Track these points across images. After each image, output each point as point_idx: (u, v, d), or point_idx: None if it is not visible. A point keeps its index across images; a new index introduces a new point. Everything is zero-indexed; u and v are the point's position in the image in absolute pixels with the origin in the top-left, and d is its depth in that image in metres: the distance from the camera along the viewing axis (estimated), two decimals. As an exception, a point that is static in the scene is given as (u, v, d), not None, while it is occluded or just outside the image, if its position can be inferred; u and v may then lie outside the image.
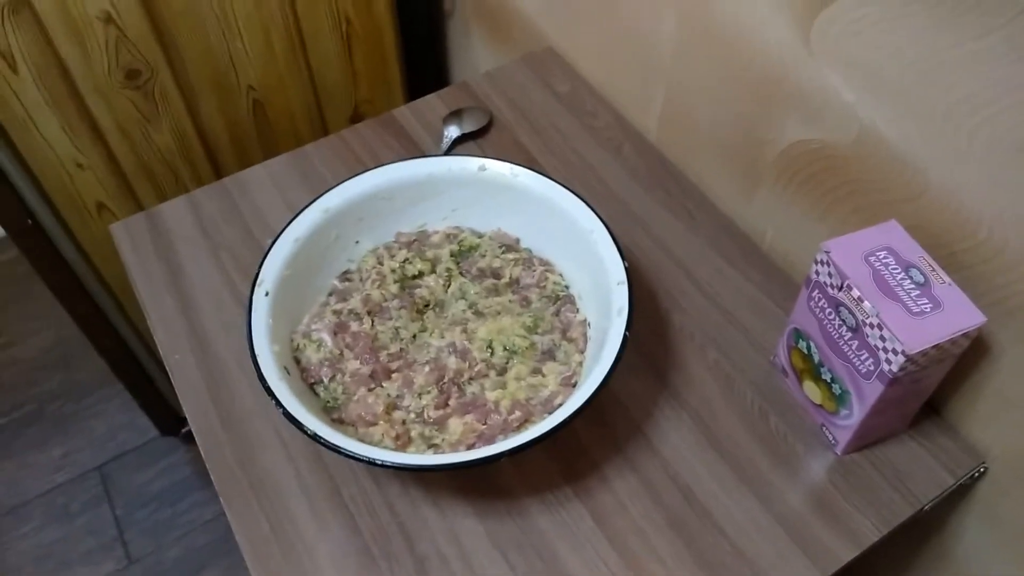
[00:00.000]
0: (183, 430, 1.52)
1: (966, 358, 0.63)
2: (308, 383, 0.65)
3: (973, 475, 0.66)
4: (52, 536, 1.44)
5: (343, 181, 0.72)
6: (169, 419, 1.48)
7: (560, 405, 0.63)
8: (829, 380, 0.64)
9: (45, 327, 1.69)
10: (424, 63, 1.32)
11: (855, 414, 0.62)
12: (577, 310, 0.71)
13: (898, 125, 0.61)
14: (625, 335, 0.61)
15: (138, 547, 1.43)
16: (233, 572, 1.39)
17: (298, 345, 0.67)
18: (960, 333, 0.56)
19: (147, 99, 1.01)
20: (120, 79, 0.97)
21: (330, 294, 0.71)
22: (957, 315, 0.56)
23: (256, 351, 0.61)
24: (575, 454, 0.67)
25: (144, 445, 1.54)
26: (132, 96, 1.00)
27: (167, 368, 0.73)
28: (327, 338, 0.66)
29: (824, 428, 0.67)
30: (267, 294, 0.65)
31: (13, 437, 1.55)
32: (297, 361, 0.66)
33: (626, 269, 0.65)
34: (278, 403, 0.58)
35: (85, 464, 1.52)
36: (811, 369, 0.66)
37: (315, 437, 0.56)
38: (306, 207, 0.70)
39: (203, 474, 0.67)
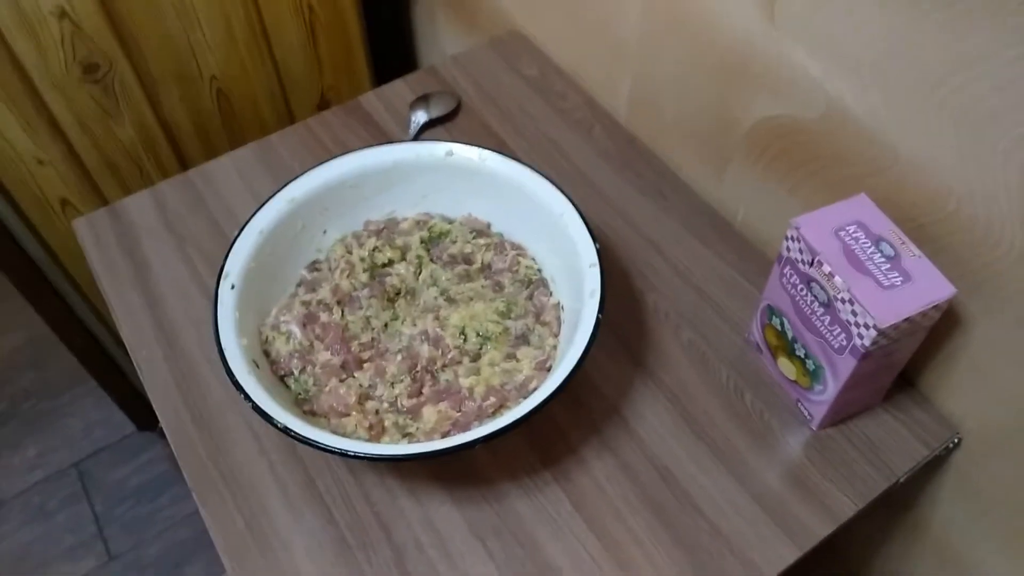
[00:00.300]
0: (160, 425, 1.50)
1: (938, 330, 0.63)
2: (278, 376, 0.64)
3: (947, 446, 0.66)
4: (31, 535, 1.42)
5: (308, 170, 0.71)
6: (145, 414, 1.46)
7: (535, 390, 0.63)
8: (803, 356, 0.64)
9: (15, 326, 1.66)
10: (390, 48, 1.30)
11: (829, 389, 0.63)
12: (550, 293, 0.70)
13: (864, 99, 0.61)
14: (598, 317, 0.61)
15: (118, 543, 1.41)
16: (215, 566, 1.38)
17: (267, 338, 0.66)
18: (931, 305, 0.56)
19: (107, 93, 0.99)
20: (78, 74, 0.95)
21: (299, 285, 0.70)
22: (927, 287, 0.56)
23: (223, 345, 0.60)
24: (552, 438, 0.67)
25: (121, 441, 1.53)
26: (91, 90, 0.98)
27: (135, 365, 0.72)
28: (296, 330, 0.65)
29: (799, 404, 0.67)
30: (233, 287, 0.64)
31: (-13, 438, 1.53)
32: (267, 354, 0.65)
33: (597, 251, 0.65)
34: (247, 397, 0.57)
35: (62, 462, 1.51)
36: (785, 345, 0.66)
37: (286, 431, 0.56)
38: (271, 197, 0.69)
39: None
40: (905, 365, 0.64)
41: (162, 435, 1.51)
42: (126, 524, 1.43)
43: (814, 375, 0.64)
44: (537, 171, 0.70)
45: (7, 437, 1.53)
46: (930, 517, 0.73)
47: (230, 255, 0.65)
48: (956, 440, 0.67)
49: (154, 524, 1.43)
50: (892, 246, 0.58)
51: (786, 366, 0.67)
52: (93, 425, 1.54)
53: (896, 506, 0.76)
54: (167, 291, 0.76)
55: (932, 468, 0.70)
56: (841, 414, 0.66)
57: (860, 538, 0.83)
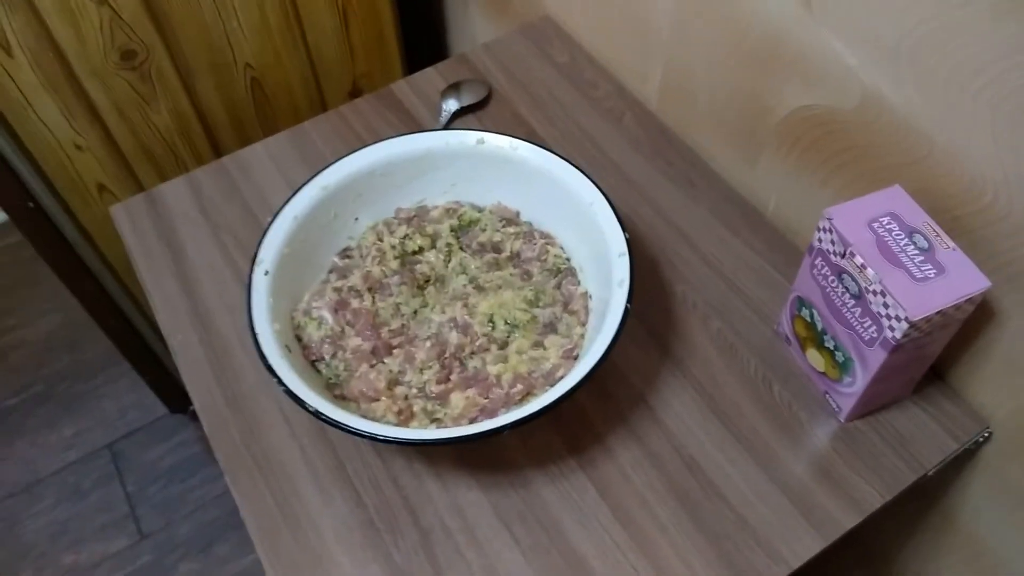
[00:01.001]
0: (191, 407, 1.53)
1: (971, 323, 0.62)
2: (310, 361, 0.65)
3: (978, 440, 0.66)
4: (65, 514, 1.46)
5: (341, 158, 0.72)
6: (177, 397, 1.49)
7: (562, 378, 0.63)
8: (832, 348, 0.64)
9: (52, 309, 1.70)
10: (422, 36, 1.31)
11: (859, 381, 0.62)
12: (578, 282, 0.70)
13: (901, 89, 0.60)
14: (627, 307, 0.61)
15: (150, 522, 1.44)
16: (244, 546, 1.40)
17: (299, 323, 0.67)
18: (964, 299, 0.55)
19: (144, 80, 1.00)
20: (116, 60, 0.97)
21: (330, 271, 0.71)
22: (961, 280, 0.56)
23: (257, 330, 0.61)
24: (579, 426, 0.67)
25: (153, 423, 1.55)
26: (129, 77, 0.99)
27: (170, 349, 0.74)
28: (328, 315, 0.66)
29: (827, 395, 0.67)
30: (267, 273, 0.65)
31: (24, 417, 1.57)
32: (298, 339, 0.66)
33: (627, 240, 0.65)
34: (280, 381, 0.58)
35: (95, 442, 1.54)
36: (814, 337, 0.66)
37: (317, 414, 0.57)
38: (304, 185, 0.70)
39: (212, 450, 0.68)
40: (936, 358, 0.63)
41: (194, 417, 1.54)
42: (157, 504, 1.46)
43: (843, 367, 0.63)
44: (567, 160, 0.71)
45: (44, 417, 1.57)
46: (959, 511, 0.73)
47: (264, 242, 0.66)
48: (987, 434, 0.66)
49: (185, 504, 1.45)
50: (926, 238, 0.58)
51: (815, 358, 0.67)
52: (127, 407, 1.57)
53: (925, 499, 0.76)
54: (202, 276, 0.78)
55: (961, 462, 0.70)
56: (870, 406, 0.66)
57: (887, 530, 0.83)
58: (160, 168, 1.10)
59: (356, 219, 0.73)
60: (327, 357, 0.65)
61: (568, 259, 0.72)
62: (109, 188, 1.08)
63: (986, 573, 0.73)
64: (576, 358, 0.65)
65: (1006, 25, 0.51)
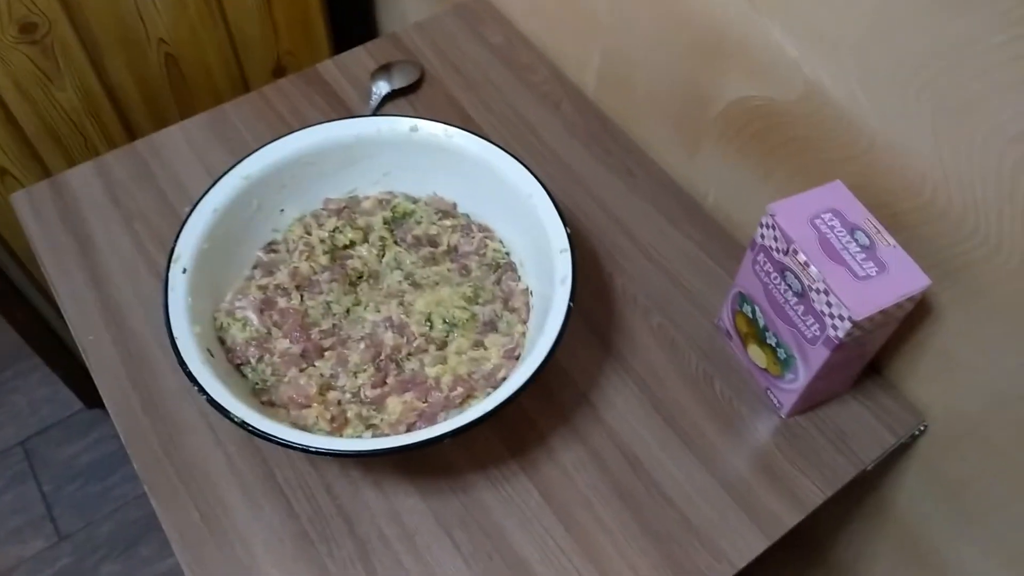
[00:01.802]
0: (110, 401, 1.46)
1: (909, 318, 0.62)
2: (234, 364, 0.61)
3: (914, 433, 0.66)
4: (-25, 516, 1.38)
5: (264, 145, 0.67)
6: (93, 391, 1.40)
7: (504, 379, 0.61)
8: (774, 344, 0.63)
9: (-47, 297, 1.59)
10: (349, 12, 1.25)
11: (800, 378, 0.62)
12: (519, 278, 0.68)
13: (843, 82, 0.59)
14: (569, 306, 0.59)
15: (68, 523, 1.37)
16: (168, 547, 1.34)
17: (222, 324, 0.63)
18: (906, 297, 0.55)
19: (46, 55, 0.93)
20: (14, 34, 0.89)
21: (255, 267, 0.67)
22: (902, 278, 0.56)
23: (175, 334, 0.57)
24: (520, 426, 0.65)
25: (68, 418, 1.48)
26: (29, 52, 0.92)
27: (80, 349, 0.68)
28: (253, 316, 0.62)
29: (769, 392, 0.67)
30: (185, 271, 0.60)
31: (-74, 415, 1.47)
32: (222, 341, 0.62)
33: (569, 236, 0.63)
34: (201, 389, 0.54)
35: (7, 440, 1.45)
36: (756, 333, 0.65)
37: (243, 425, 0.53)
38: (224, 174, 0.65)
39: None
40: (875, 353, 0.63)
41: (112, 411, 1.46)
42: (76, 503, 1.39)
43: (785, 364, 0.63)
44: (504, 149, 0.68)
45: (-52, 414, 1.48)
46: (895, 500, 0.74)
47: (181, 236, 0.62)
48: (922, 427, 0.67)
49: (105, 503, 1.39)
50: (867, 235, 0.57)
51: (756, 354, 0.66)
52: (39, 402, 1.49)
53: (862, 490, 0.77)
54: (113, 270, 0.72)
55: (898, 454, 0.70)
56: (810, 402, 0.66)
57: (825, 518, 0.84)
58: (68, 151, 1.03)
59: (281, 211, 0.69)
60: (253, 361, 0.61)
61: (508, 253, 0.70)
62: (12, 173, 1.00)
63: (921, 558, 0.74)
64: (518, 358, 0.63)
65: (950, 21, 0.50)
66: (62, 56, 0.94)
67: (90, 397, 1.44)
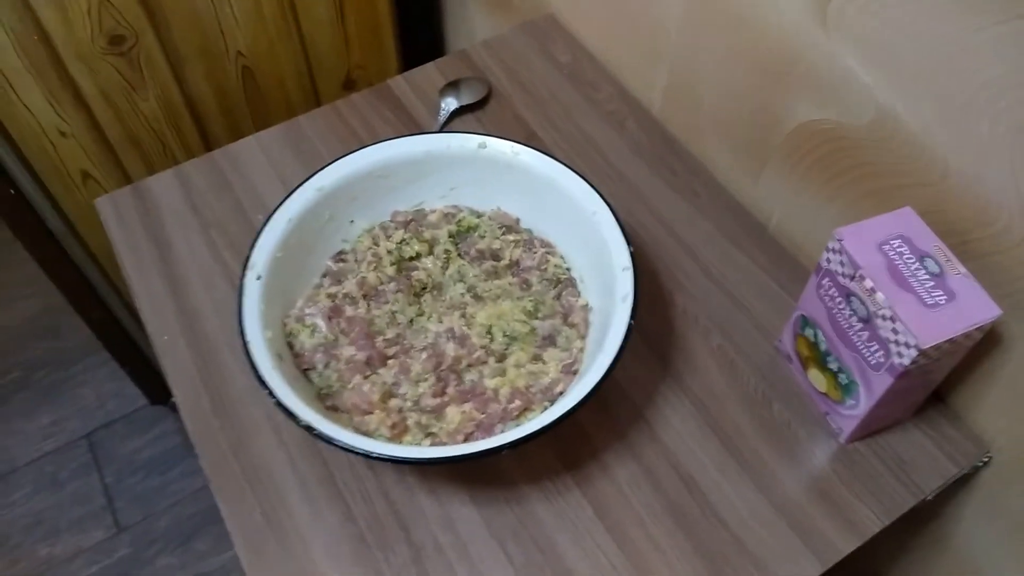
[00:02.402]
0: (172, 399, 1.50)
1: (977, 348, 0.61)
2: (302, 369, 0.63)
3: (977, 465, 0.65)
4: (41, 504, 1.43)
5: (337, 159, 0.69)
6: (158, 388, 1.46)
7: (561, 393, 0.62)
8: (836, 370, 0.63)
9: (32, 294, 1.66)
10: (419, 28, 1.28)
11: (862, 404, 0.61)
12: (579, 294, 0.69)
13: (917, 109, 0.59)
14: (630, 324, 0.59)
15: (127, 515, 1.42)
16: (223, 541, 1.38)
17: (291, 330, 0.65)
18: (975, 326, 0.54)
19: (132, 66, 0.97)
20: (103, 45, 0.94)
21: (324, 276, 0.69)
22: (972, 307, 0.55)
23: (248, 339, 0.59)
24: (575, 441, 0.66)
25: (133, 413, 1.53)
26: (116, 63, 0.96)
27: (155, 350, 0.71)
28: (321, 323, 0.64)
29: (828, 416, 0.66)
30: (259, 278, 0.62)
31: (0, 404, 1.53)
32: (290, 346, 0.64)
33: (631, 254, 0.63)
34: (271, 393, 0.56)
35: (73, 432, 1.51)
36: (817, 357, 0.65)
37: (308, 428, 0.55)
38: (299, 186, 0.68)
39: (196, 450, 0.66)
40: (940, 381, 0.62)
41: (174, 409, 1.51)
42: (136, 496, 1.43)
43: (846, 389, 0.62)
44: (570, 167, 0.69)
45: (21, 405, 1.54)
46: (953, 533, 0.72)
47: (256, 244, 0.64)
48: (986, 459, 0.65)
49: (164, 497, 1.43)
50: (937, 262, 0.57)
51: (817, 378, 0.66)
52: (105, 396, 1.54)
53: (918, 519, 0.75)
54: (190, 275, 0.75)
55: (959, 486, 0.69)
56: (870, 429, 0.65)
57: (879, 549, 0.82)
58: (147, 157, 1.07)
59: (351, 222, 0.71)
60: (320, 366, 0.63)
61: (568, 269, 0.70)
62: (94, 176, 1.05)
63: (979, 596, 0.73)
64: (575, 373, 0.63)
65: (1030, 50, 0.49)
66: (146, 67, 0.99)
67: (154, 394, 1.49)
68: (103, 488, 1.45)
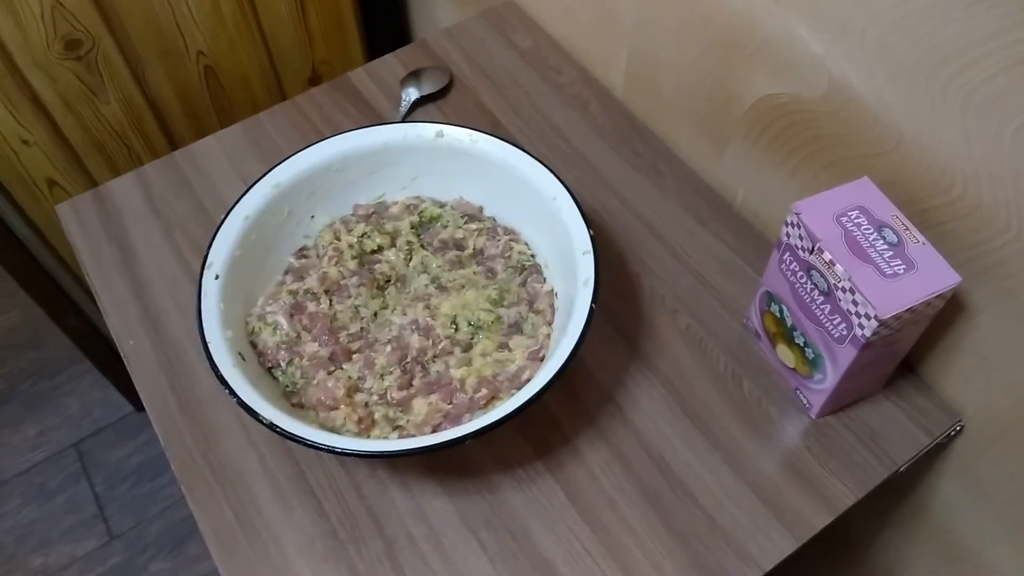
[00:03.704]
0: (158, 404, 1.50)
1: (942, 316, 0.61)
2: (266, 367, 0.63)
3: (949, 434, 0.65)
4: (33, 515, 1.42)
5: (293, 154, 0.69)
6: (143, 394, 1.45)
7: (528, 380, 0.62)
8: (802, 344, 0.62)
9: (12, 306, 1.65)
10: (383, 21, 1.27)
11: (829, 378, 0.61)
12: (544, 280, 0.68)
13: (869, 77, 0.58)
14: (592, 307, 0.59)
15: (119, 522, 1.42)
16: (216, 545, 1.38)
17: (253, 328, 0.64)
18: (934, 295, 0.54)
19: (90, 70, 0.96)
20: (59, 50, 0.93)
21: (286, 272, 0.69)
22: (931, 276, 0.55)
23: (208, 339, 0.58)
24: (545, 427, 0.66)
25: (119, 421, 1.52)
26: (74, 67, 0.95)
27: (121, 353, 0.71)
28: (283, 320, 0.64)
29: (798, 392, 0.66)
30: (217, 277, 0.62)
31: (-15, 418, 1.53)
32: (253, 345, 0.64)
33: (592, 238, 0.63)
34: (232, 392, 0.56)
35: (61, 442, 1.50)
36: (784, 333, 0.64)
37: (271, 426, 0.54)
38: (255, 182, 0.67)
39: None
40: (907, 352, 0.62)
41: (160, 413, 1.50)
42: (127, 503, 1.43)
43: (813, 363, 0.62)
44: (529, 153, 0.68)
45: (7, 417, 1.53)
46: (931, 503, 0.72)
47: (213, 244, 0.63)
48: (958, 427, 0.65)
49: (155, 503, 1.43)
50: (895, 232, 0.56)
51: (785, 354, 0.65)
52: (92, 405, 1.54)
53: (895, 491, 0.75)
54: (153, 277, 0.75)
55: (933, 455, 0.69)
56: (841, 402, 0.65)
57: (858, 522, 0.83)
58: (113, 162, 1.06)
59: (312, 217, 0.71)
60: (283, 364, 0.63)
61: (533, 256, 0.70)
62: (59, 183, 1.04)
63: (957, 563, 0.73)
64: (543, 359, 0.63)
65: (977, 13, 0.49)
66: (106, 71, 0.98)
67: (139, 400, 1.48)
68: (94, 496, 1.44)
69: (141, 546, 1.39)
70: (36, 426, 1.52)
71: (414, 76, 0.88)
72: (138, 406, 1.51)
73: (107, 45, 0.96)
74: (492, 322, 0.65)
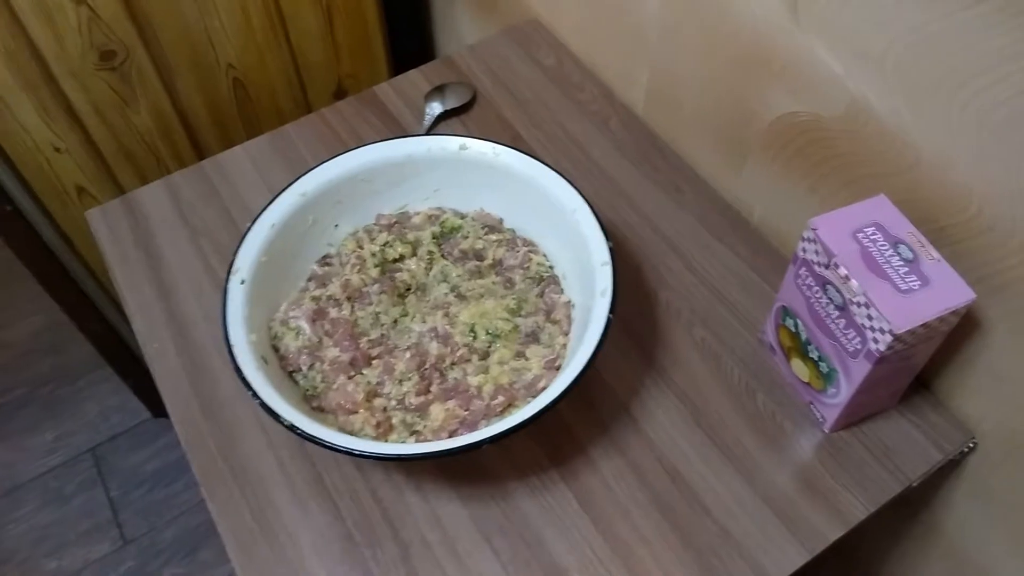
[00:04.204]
0: (176, 411, 1.51)
1: (956, 333, 0.62)
2: (287, 371, 0.64)
3: (963, 450, 0.65)
4: (47, 519, 1.44)
5: (319, 164, 0.70)
6: (160, 401, 1.46)
7: (544, 389, 0.62)
8: (816, 358, 0.63)
9: (35, 311, 1.67)
10: (409, 36, 1.29)
11: (843, 392, 0.62)
12: (561, 291, 0.69)
13: (887, 97, 0.59)
14: (609, 318, 0.60)
15: (133, 528, 1.43)
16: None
17: (276, 333, 0.66)
18: (949, 311, 0.55)
19: (123, 81, 0.99)
20: (95, 61, 0.95)
21: (309, 279, 0.70)
22: (946, 292, 0.55)
23: (232, 342, 0.60)
24: (560, 436, 0.66)
25: (136, 427, 1.54)
26: (108, 78, 0.98)
27: (146, 357, 0.72)
28: (305, 325, 0.65)
29: (812, 406, 0.66)
30: (243, 282, 0.63)
31: (5, 421, 1.55)
32: (276, 349, 0.65)
33: (611, 250, 0.64)
34: (255, 394, 0.57)
35: (78, 447, 1.52)
36: (798, 347, 0.65)
37: (292, 428, 0.56)
38: (282, 191, 0.69)
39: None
40: (921, 368, 0.63)
41: (178, 421, 1.52)
42: (141, 509, 1.44)
43: (827, 378, 0.63)
44: (550, 167, 0.70)
45: (25, 421, 1.55)
46: (944, 520, 0.72)
47: (240, 250, 0.65)
48: (972, 444, 0.65)
49: (169, 509, 1.44)
50: (911, 249, 0.57)
51: (799, 368, 0.66)
52: (109, 411, 1.55)
53: (908, 508, 0.75)
54: (179, 283, 0.76)
55: (946, 472, 0.69)
56: (854, 417, 0.65)
57: (870, 539, 0.82)
58: (141, 171, 1.09)
59: (336, 226, 0.72)
60: (304, 368, 0.64)
61: (551, 267, 0.71)
62: (89, 191, 1.06)
63: (971, 583, 0.73)
64: (559, 368, 0.64)
65: (994, 36, 0.50)
66: (138, 82, 1.00)
67: (157, 407, 1.50)
68: (108, 501, 1.46)
69: (155, 551, 1.40)
70: (54, 431, 1.54)
71: (438, 91, 0.90)
72: (155, 412, 1.53)
73: (140, 56, 0.98)
74: (510, 331, 0.66)
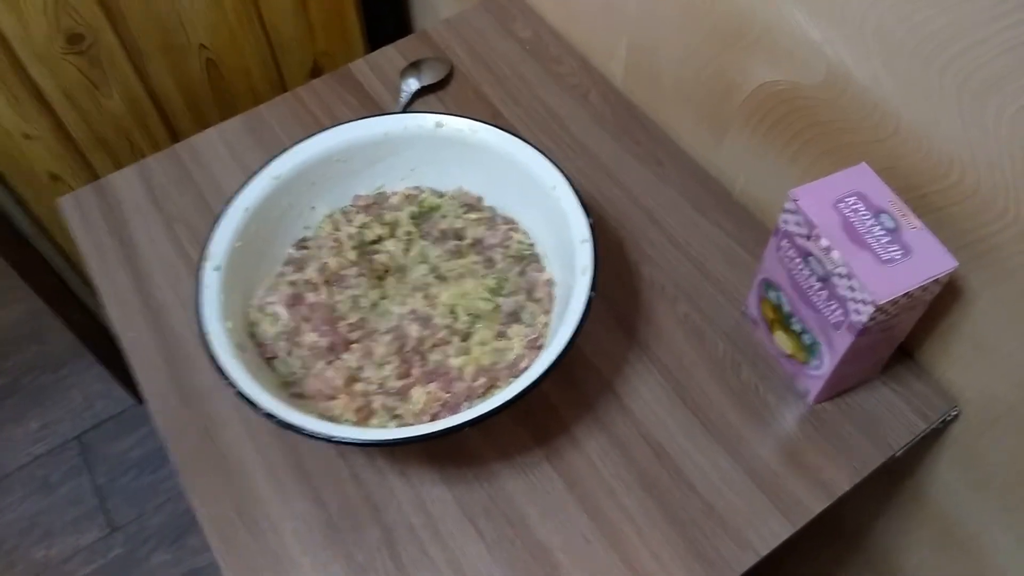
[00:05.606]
0: (162, 398, 1.50)
1: (939, 301, 0.61)
2: (265, 358, 0.63)
3: (946, 419, 0.65)
4: (34, 507, 1.43)
5: (292, 145, 0.69)
6: (146, 388, 1.46)
7: (526, 368, 0.62)
8: (799, 331, 0.63)
9: (16, 299, 1.65)
10: (384, 10, 1.27)
11: (826, 364, 0.61)
12: (543, 269, 0.69)
13: (866, 63, 0.58)
14: (590, 296, 0.59)
15: (120, 515, 1.42)
16: (220, 537, 1.39)
17: (253, 319, 0.65)
18: (931, 280, 0.54)
19: (93, 65, 0.97)
20: (62, 44, 0.93)
21: (286, 263, 0.69)
22: (928, 261, 0.55)
23: (207, 330, 0.59)
24: (544, 415, 0.66)
25: (121, 414, 1.53)
26: (76, 62, 0.95)
27: (122, 346, 0.71)
28: (282, 311, 0.64)
29: (795, 378, 0.66)
30: (217, 269, 0.62)
31: (-11, 411, 1.54)
32: (253, 336, 0.64)
33: (591, 226, 0.63)
34: (230, 383, 0.56)
35: (63, 435, 1.51)
36: (781, 320, 0.64)
37: (269, 416, 0.55)
38: (254, 175, 0.67)
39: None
40: (904, 337, 0.62)
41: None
42: (128, 496, 1.44)
43: (810, 350, 0.62)
44: (529, 143, 0.68)
45: (9, 410, 1.54)
46: (929, 488, 0.73)
47: (213, 236, 0.64)
48: (955, 412, 0.65)
49: (156, 495, 1.43)
50: (892, 218, 0.57)
51: (783, 340, 0.66)
52: (94, 398, 1.54)
53: (894, 477, 0.75)
54: (154, 270, 0.75)
55: (931, 440, 0.69)
56: (838, 388, 0.65)
57: (855, 509, 0.83)
58: (115, 156, 1.07)
59: (312, 208, 0.71)
60: (283, 354, 0.63)
61: (532, 245, 0.70)
62: (62, 178, 1.04)
63: (956, 548, 0.73)
64: (541, 348, 0.63)
65: (972, -2, 0.49)
66: (108, 65, 0.98)
67: (141, 393, 1.49)
68: (95, 489, 1.45)
69: (142, 538, 1.40)
70: (39, 419, 1.53)
71: (414, 67, 0.88)
72: (140, 399, 1.51)
73: (109, 39, 0.96)
74: (491, 311, 0.65)
